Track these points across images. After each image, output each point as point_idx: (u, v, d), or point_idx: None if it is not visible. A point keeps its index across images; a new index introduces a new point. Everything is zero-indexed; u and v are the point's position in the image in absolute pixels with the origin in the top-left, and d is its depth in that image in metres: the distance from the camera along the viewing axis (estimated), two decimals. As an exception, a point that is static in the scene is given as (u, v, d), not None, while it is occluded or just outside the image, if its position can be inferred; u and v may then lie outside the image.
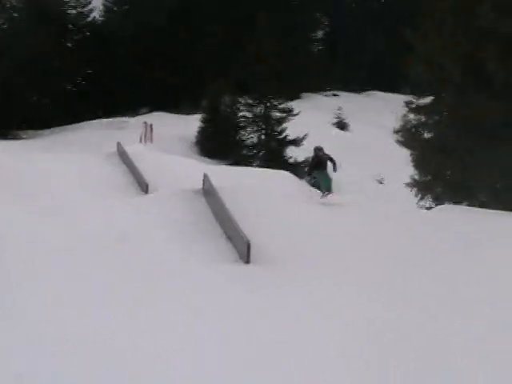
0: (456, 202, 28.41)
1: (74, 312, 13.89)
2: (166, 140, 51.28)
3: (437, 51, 31.16)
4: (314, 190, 25.98)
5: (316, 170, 19.71)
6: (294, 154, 54.71)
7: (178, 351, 12.57)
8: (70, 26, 75.90)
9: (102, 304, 14.55)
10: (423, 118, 32.63)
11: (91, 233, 20.51)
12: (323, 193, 19.45)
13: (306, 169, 19.75)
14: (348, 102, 73.15)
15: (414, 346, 13.08)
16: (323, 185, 19.19)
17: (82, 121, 66.23)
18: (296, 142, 54.95)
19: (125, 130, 54.95)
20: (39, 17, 67.76)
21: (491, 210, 24.97)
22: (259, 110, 58.25)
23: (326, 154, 19.53)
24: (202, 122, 58.27)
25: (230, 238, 21.00)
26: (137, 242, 20.18)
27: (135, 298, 15.15)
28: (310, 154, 55.77)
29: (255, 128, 58.67)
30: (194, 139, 58.71)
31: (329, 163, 21.15)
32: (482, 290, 16.42)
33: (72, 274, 16.58)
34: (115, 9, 79.76)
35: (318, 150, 20.13)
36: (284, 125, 57.00)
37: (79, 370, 11.19)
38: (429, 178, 31.81)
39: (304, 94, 73.41)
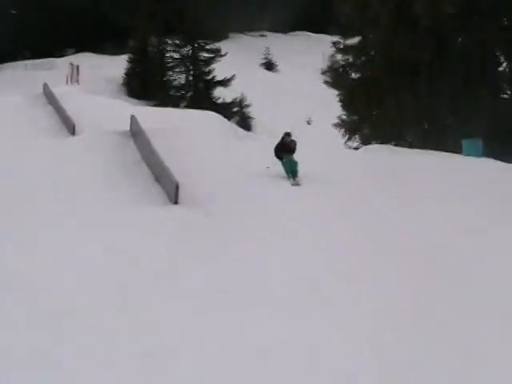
0: (383, 143, 28.68)
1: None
2: (93, 81, 50.38)
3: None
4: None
5: (285, 154, 19.85)
6: (222, 94, 54.73)
7: (98, 280, 13.47)
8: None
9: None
10: (350, 59, 32.78)
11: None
12: (289, 177, 19.89)
13: (274, 151, 20.25)
14: (276, 43, 72.93)
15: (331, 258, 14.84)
16: (290, 169, 19.77)
17: (4, 62, 63.79)
18: (224, 83, 54.91)
19: (51, 72, 53.45)
20: None
21: (417, 149, 25.47)
22: (187, 50, 57.60)
23: (293, 140, 20.02)
24: (128, 62, 57.45)
25: (158, 179, 20.86)
26: (66, 187, 19.93)
27: (66, 241, 15.30)
28: (238, 94, 56.22)
29: (183, 69, 58.02)
30: (121, 80, 57.61)
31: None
32: (404, 217, 17.63)
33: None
34: None
35: (287, 135, 20.13)
36: (212, 66, 56.85)
37: None
38: (356, 118, 32.08)
39: (232, 35, 72.76)
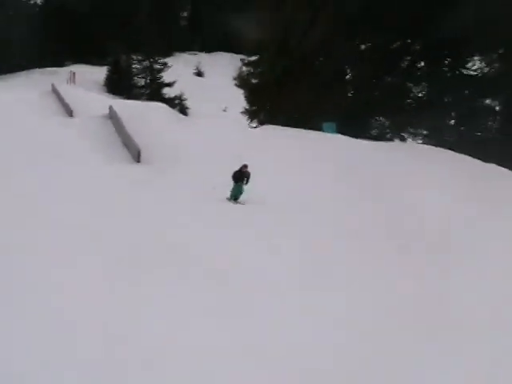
0: (274, 124, 27.95)
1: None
2: (84, 83, 48.13)
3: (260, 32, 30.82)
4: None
5: (239, 182, 16.46)
6: (169, 92, 54.47)
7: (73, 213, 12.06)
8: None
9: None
10: (251, 70, 32.25)
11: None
12: (231, 199, 16.46)
13: (232, 175, 16.50)
14: (204, 59, 71.22)
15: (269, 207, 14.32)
16: (236, 194, 16.28)
17: (23, 70, 60.32)
18: (170, 85, 55.05)
19: (56, 76, 50.52)
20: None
21: (294, 128, 24.32)
22: (145, 63, 57.47)
23: (247, 171, 16.83)
24: (108, 71, 56.75)
25: (126, 146, 20.32)
26: (66, 149, 19.20)
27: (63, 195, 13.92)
28: (177, 92, 54.69)
29: (143, 75, 57.67)
30: (103, 82, 55.72)
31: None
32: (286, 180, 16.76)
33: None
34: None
35: (245, 166, 17.01)
36: (162, 73, 56.91)
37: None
38: (254, 108, 31.88)
39: (175, 53, 70.46)
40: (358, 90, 30.00)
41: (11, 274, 8.05)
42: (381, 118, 29.20)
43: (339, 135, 22.85)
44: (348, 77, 32.60)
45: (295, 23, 27.49)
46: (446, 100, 25.86)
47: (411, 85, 28.06)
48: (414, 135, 27.21)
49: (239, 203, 15.79)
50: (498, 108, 25.86)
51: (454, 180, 14.93)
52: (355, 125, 26.51)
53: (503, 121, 24.66)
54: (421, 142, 25.93)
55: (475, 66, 24.94)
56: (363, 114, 27.86)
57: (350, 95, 31.10)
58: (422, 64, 28.01)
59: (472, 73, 25.46)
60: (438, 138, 25.03)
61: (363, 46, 29.30)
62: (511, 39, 21.67)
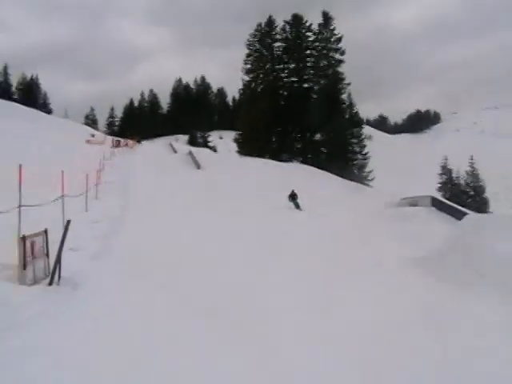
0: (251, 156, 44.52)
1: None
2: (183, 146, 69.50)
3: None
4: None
5: (292, 198, 24.99)
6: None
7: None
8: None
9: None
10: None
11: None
12: (297, 208, 24.55)
13: (289, 197, 25.56)
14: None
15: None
16: (296, 205, 24.56)
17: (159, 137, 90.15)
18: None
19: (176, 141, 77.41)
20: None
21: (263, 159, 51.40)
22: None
23: (296, 193, 25.03)
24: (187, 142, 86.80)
25: (195, 163, 38.40)
26: (173, 167, 34.11)
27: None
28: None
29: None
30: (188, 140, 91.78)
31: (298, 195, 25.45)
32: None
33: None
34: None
35: (293, 190, 25.09)
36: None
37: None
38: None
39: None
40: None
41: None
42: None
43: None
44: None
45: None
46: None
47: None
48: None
49: (300, 209, 23.87)
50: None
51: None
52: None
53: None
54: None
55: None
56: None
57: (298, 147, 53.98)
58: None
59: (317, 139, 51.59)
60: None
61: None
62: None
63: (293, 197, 25.11)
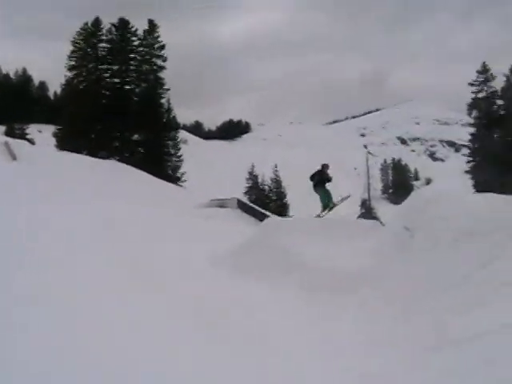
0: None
1: None
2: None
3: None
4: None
5: (320, 185, 13.91)
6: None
7: None
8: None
9: None
10: None
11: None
12: (325, 210, 14.00)
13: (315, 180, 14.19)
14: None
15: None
16: (326, 201, 13.85)
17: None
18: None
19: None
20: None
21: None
22: None
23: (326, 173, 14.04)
24: None
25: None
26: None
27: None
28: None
29: None
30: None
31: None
32: None
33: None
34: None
35: (326, 166, 14.22)
36: None
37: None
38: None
39: None
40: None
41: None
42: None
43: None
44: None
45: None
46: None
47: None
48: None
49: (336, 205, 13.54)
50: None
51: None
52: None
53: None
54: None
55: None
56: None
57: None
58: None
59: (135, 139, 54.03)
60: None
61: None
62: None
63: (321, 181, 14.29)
